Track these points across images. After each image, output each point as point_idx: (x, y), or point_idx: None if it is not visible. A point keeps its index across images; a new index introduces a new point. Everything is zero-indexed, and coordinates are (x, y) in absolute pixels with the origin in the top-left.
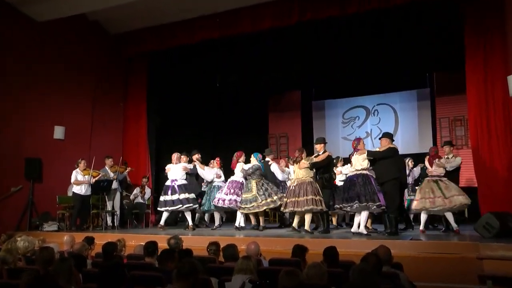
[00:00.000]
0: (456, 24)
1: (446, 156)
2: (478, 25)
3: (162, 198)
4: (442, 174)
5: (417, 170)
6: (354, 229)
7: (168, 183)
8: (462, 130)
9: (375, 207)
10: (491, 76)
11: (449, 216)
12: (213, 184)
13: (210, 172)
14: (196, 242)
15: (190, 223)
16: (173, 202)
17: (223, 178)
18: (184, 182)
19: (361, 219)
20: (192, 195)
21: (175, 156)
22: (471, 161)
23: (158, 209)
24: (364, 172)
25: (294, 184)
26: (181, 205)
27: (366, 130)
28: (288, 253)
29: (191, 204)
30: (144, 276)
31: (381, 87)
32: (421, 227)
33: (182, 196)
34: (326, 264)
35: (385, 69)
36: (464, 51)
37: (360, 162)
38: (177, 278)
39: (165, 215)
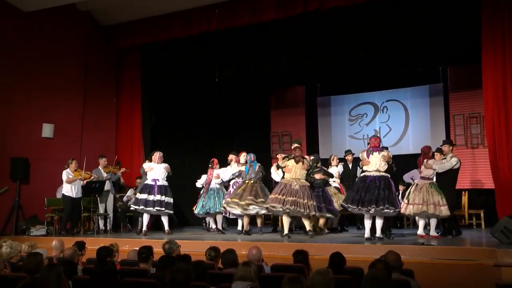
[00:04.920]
0: (472, 12)
1: (444, 157)
2: (496, 11)
3: (142, 196)
4: (432, 177)
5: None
6: (368, 234)
7: (149, 182)
8: (478, 128)
9: (392, 211)
10: (511, 69)
11: (432, 222)
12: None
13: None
14: (195, 247)
15: (167, 228)
16: (153, 203)
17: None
18: (166, 184)
19: (377, 224)
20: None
21: (158, 155)
22: (487, 161)
23: (134, 207)
24: (385, 174)
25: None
26: (160, 208)
27: (375, 128)
28: (292, 259)
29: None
30: (138, 283)
31: (390, 82)
32: (419, 231)
33: (164, 198)
34: (332, 270)
35: (395, 63)
36: (480, 41)
37: (380, 163)
38: None
39: (146, 218)
